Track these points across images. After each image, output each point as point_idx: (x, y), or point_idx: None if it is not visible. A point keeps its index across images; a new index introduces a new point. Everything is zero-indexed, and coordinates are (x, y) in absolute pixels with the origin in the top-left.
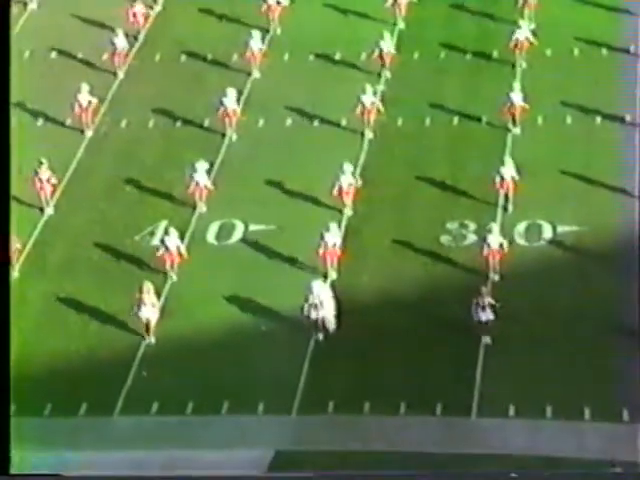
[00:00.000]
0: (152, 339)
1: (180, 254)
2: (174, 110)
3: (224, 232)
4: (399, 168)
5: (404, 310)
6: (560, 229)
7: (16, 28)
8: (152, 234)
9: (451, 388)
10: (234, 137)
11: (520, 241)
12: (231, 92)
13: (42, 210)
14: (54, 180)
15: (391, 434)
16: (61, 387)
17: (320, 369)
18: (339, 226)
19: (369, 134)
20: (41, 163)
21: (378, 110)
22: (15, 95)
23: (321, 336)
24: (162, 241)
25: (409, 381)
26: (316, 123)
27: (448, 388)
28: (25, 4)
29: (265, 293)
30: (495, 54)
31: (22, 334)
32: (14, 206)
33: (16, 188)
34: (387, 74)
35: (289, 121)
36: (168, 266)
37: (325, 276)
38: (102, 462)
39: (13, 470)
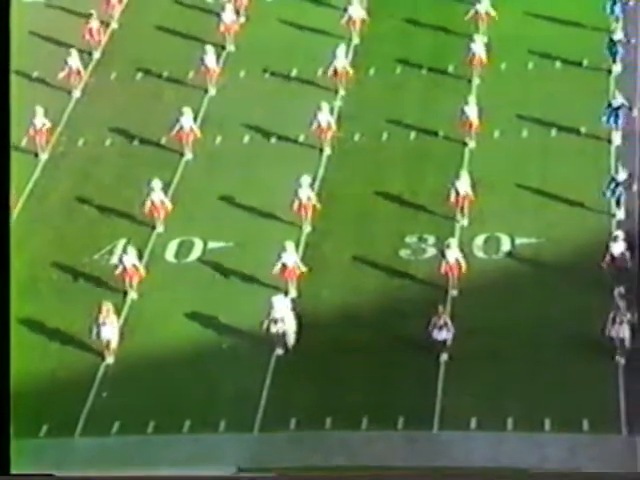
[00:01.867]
0: (111, 359)
1: (137, 272)
2: (131, 128)
3: (183, 250)
4: (357, 183)
5: (365, 325)
6: (518, 241)
7: None
8: (111, 253)
9: (412, 402)
10: (190, 155)
11: (479, 254)
12: (187, 111)
13: None
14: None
15: (354, 449)
16: (21, 409)
17: (282, 386)
18: (298, 242)
19: (327, 150)
20: None
21: (334, 127)
22: None
23: (281, 351)
24: (120, 260)
25: (371, 396)
26: (273, 140)
27: (409, 402)
28: None
29: (225, 310)
30: (451, 69)
31: None
32: None
33: None
34: (343, 90)
35: (246, 138)
36: (127, 284)
37: (286, 293)
38: None
39: None
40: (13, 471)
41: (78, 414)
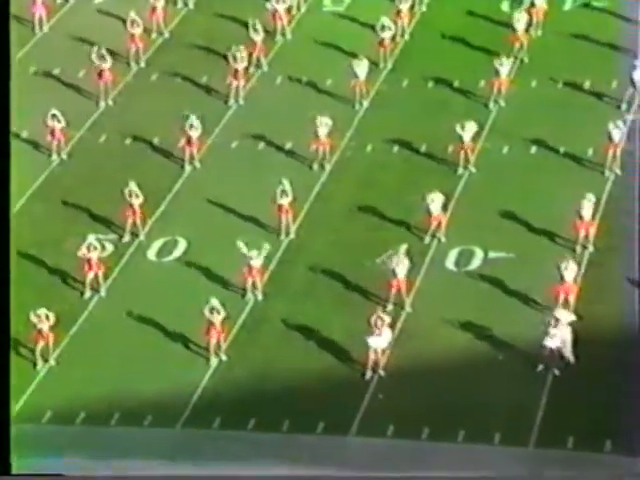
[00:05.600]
0: (384, 365)
1: (409, 281)
2: (418, 136)
3: (463, 258)
4: None
5: None
6: None
7: (269, 58)
8: (391, 257)
9: None
10: (473, 169)
11: None
12: (470, 125)
13: (279, 235)
14: (289, 204)
15: (631, 473)
16: (299, 405)
17: (558, 403)
18: (579, 261)
19: (615, 167)
20: (280, 183)
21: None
22: (257, 125)
23: (557, 368)
24: (393, 270)
25: None
26: (560, 154)
27: None
28: (269, 33)
29: (502, 321)
30: None
31: (262, 351)
32: (256, 229)
33: (259, 211)
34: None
35: (533, 150)
36: (394, 293)
37: (562, 309)
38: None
39: None
40: None
41: (353, 414)
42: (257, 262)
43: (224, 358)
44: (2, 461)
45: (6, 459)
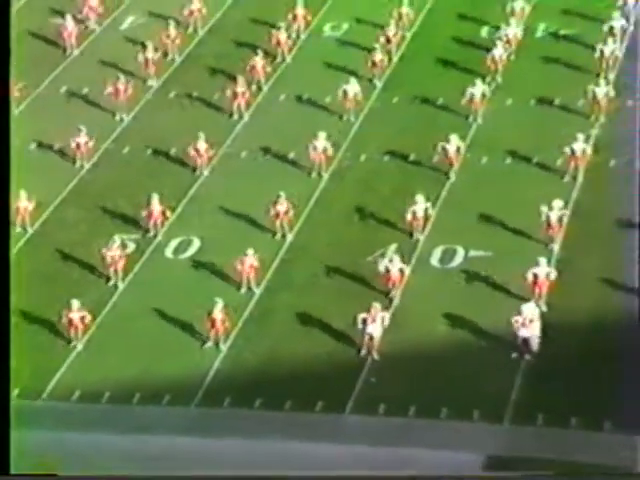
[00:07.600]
0: (374, 352)
1: (402, 275)
2: (407, 147)
3: (447, 256)
4: (609, 206)
5: (611, 335)
6: None
7: (274, 78)
8: (383, 256)
9: None
10: (454, 177)
11: None
12: (454, 137)
13: (284, 236)
14: (291, 210)
15: (594, 448)
16: (302, 387)
17: (531, 384)
18: (549, 259)
19: (579, 176)
20: (279, 196)
21: (591, 153)
22: (264, 138)
23: (522, 354)
24: (386, 267)
25: (613, 400)
26: (532, 162)
27: None
28: (273, 56)
29: (482, 312)
30: None
31: (268, 338)
32: (256, 232)
33: (260, 217)
34: (602, 118)
35: (508, 160)
36: (390, 287)
37: (533, 301)
38: (330, 454)
39: None
40: None
41: (349, 394)
42: (251, 259)
43: (223, 349)
44: (1, 462)
45: (6, 460)
